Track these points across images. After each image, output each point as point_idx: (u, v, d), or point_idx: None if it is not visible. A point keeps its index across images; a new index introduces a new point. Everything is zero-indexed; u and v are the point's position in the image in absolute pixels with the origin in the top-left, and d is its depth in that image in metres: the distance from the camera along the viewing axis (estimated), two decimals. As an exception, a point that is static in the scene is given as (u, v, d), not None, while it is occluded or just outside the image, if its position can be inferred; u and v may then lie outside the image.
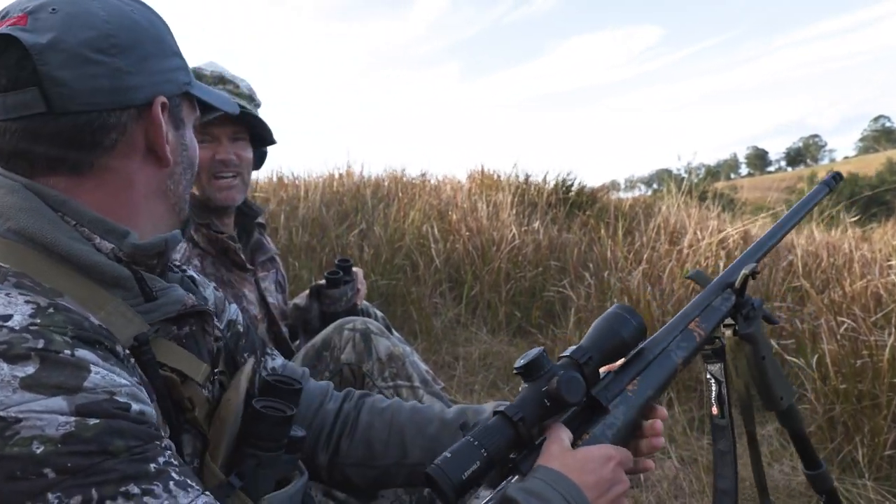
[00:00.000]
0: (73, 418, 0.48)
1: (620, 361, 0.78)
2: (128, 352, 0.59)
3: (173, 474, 0.52)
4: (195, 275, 0.84)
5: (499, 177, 5.46)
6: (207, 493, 0.54)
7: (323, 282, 1.59)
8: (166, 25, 0.70)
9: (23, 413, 0.46)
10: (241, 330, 0.88)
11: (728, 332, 0.94)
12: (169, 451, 0.54)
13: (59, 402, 0.48)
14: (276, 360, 0.92)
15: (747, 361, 0.96)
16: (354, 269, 1.67)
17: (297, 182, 5.05)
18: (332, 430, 0.88)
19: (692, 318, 0.85)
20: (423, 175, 5.70)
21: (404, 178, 5.52)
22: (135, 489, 0.49)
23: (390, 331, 1.60)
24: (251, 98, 1.45)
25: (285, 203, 4.28)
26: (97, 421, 0.49)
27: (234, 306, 0.90)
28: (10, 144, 0.61)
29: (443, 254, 3.68)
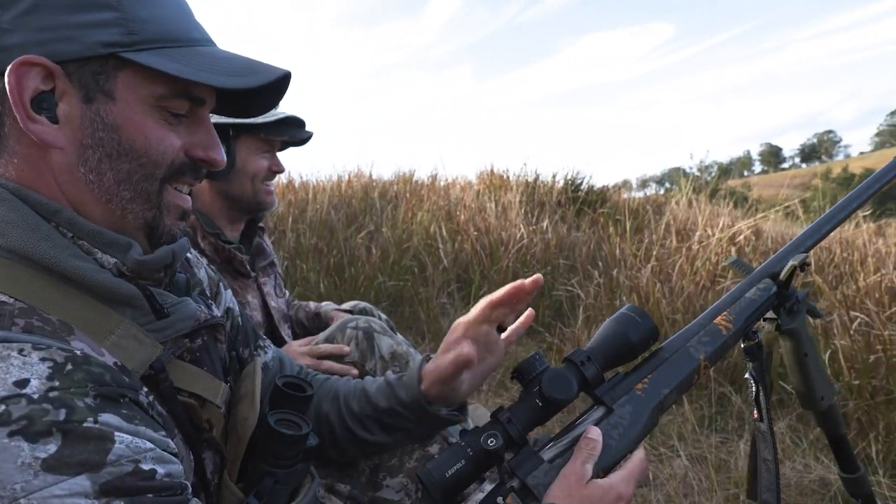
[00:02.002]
0: (96, 502, 0.45)
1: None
2: (146, 389, 0.56)
3: None
4: (190, 256, 0.78)
5: (508, 177, 5.46)
6: None
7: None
8: None
9: (45, 500, 0.43)
10: (240, 323, 0.85)
11: (768, 327, 0.89)
12: None
13: (82, 482, 0.45)
14: (268, 354, 0.89)
15: (788, 358, 0.91)
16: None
17: (305, 184, 5.08)
18: None
19: (721, 310, 0.81)
20: (434, 176, 5.71)
21: (414, 180, 5.53)
22: None
23: (394, 332, 1.60)
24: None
25: (294, 206, 4.31)
26: (122, 502, 0.46)
27: (228, 293, 0.84)
28: None
29: (451, 254, 3.68)
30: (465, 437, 0.67)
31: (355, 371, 1.31)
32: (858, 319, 2.27)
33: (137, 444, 0.49)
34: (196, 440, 0.62)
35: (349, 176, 5.39)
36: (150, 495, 0.48)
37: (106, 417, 0.48)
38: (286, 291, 1.71)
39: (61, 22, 0.53)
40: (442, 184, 5.60)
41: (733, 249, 3.24)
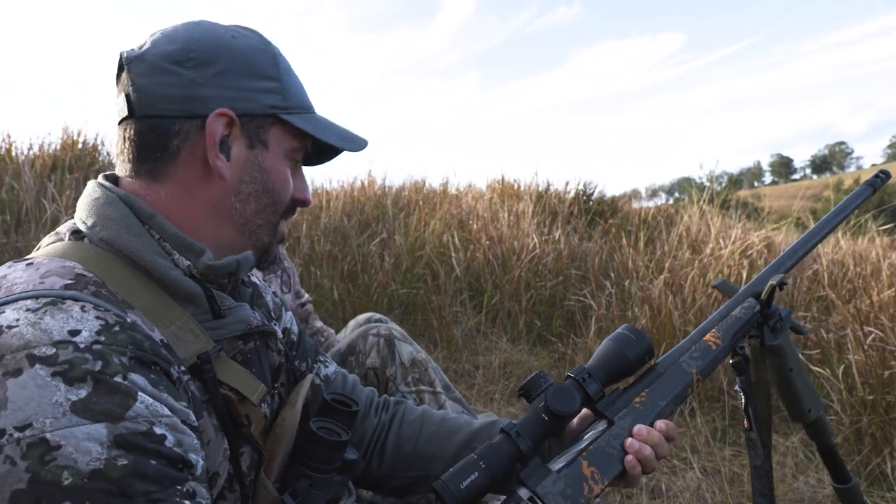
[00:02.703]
0: (105, 454, 0.49)
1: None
2: (183, 368, 0.61)
3: None
4: (258, 281, 0.87)
5: (519, 186, 5.49)
6: None
7: None
8: (272, 53, 0.71)
9: (65, 439, 0.48)
10: (295, 339, 0.91)
11: (755, 343, 0.93)
12: (186, 502, 0.54)
13: (100, 429, 0.50)
14: (329, 368, 0.95)
15: (774, 373, 0.95)
16: None
17: (318, 191, 5.13)
18: (368, 444, 0.92)
19: (710, 328, 0.86)
20: (445, 184, 5.75)
21: (425, 188, 5.57)
22: None
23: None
24: None
25: (307, 212, 4.36)
26: (126, 462, 0.50)
27: (289, 314, 0.92)
28: (117, 145, 0.69)
29: (463, 263, 3.71)
30: (477, 449, 0.71)
31: None
32: (872, 335, 2.27)
33: (156, 407, 0.54)
34: (234, 433, 0.67)
35: (361, 183, 5.45)
36: (152, 461, 0.52)
37: (134, 377, 0.53)
38: (302, 290, 1.74)
39: (243, 85, 0.67)
40: (453, 192, 5.64)
41: (746, 262, 3.25)
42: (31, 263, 0.60)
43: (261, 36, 0.72)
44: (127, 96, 0.66)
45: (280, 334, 0.84)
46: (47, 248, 0.65)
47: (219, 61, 0.66)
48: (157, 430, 0.53)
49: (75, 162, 4.17)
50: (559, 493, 0.67)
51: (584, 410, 0.80)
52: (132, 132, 0.67)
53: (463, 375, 2.92)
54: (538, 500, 0.67)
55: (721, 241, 3.53)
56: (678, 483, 1.93)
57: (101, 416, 0.50)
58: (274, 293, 0.91)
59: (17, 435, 0.48)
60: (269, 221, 0.72)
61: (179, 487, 0.54)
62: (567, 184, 5.34)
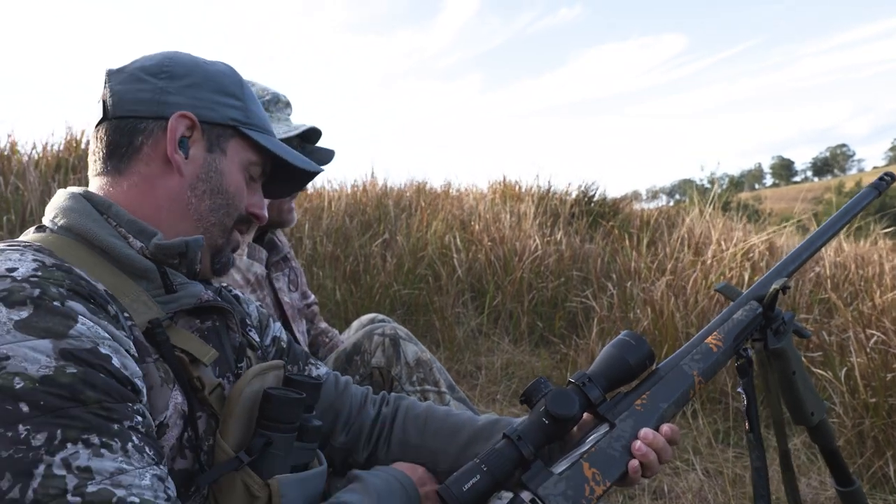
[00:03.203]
0: (53, 364, 0.52)
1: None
2: (127, 314, 0.65)
3: (134, 438, 0.55)
4: (239, 294, 0.94)
5: (520, 187, 5.50)
6: (162, 466, 0.58)
7: None
8: (239, 81, 0.81)
9: (12, 351, 0.51)
10: (285, 346, 0.96)
11: (759, 347, 0.93)
12: (139, 417, 0.57)
13: (45, 343, 0.53)
14: (321, 369, 0.98)
15: (777, 376, 0.95)
16: None
17: (320, 192, 5.14)
18: (370, 434, 0.94)
19: (711, 331, 0.86)
20: (446, 185, 5.76)
21: (427, 189, 5.58)
22: (95, 440, 0.52)
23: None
24: (288, 104, 1.53)
25: (309, 213, 4.36)
26: (75, 371, 0.53)
27: (277, 324, 0.98)
28: (91, 147, 0.77)
29: (465, 264, 3.71)
30: (479, 453, 0.72)
31: None
32: (875, 337, 2.27)
33: (97, 330, 0.57)
34: (190, 394, 0.69)
35: (363, 184, 5.46)
36: (101, 375, 0.54)
37: (72, 304, 0.57)
38: (308, 291, 1.75)
39: (208, 98, 0.77)
40: (455, 193, 5.65)
41: (748, 264, 3.25)
42: None
43: (233, 69, 0.82)
44: (103, 102, 0.74)
45: (266, 340, 0.90)
46: None
47: (189, 76, 0.76)
48: (102, 350, 0.56)
49: (79, 162, 4.18)
50: (560, 495, 0.68)
51: (586, 415, 0.80)
52: (104, 132, 0.75)
53: (465, 376, 2.92)
54: (540, 502, 0.68)
55: (723, 243, 3.53)
56: (680, 484, 1.93)
57: (44, 332, 0.53)
58: (259, 305, 0.96)
59: None
60: (223, 222, 0.79)
61: (131, 405, 0.57)
62: (569, 185, 5.36)
